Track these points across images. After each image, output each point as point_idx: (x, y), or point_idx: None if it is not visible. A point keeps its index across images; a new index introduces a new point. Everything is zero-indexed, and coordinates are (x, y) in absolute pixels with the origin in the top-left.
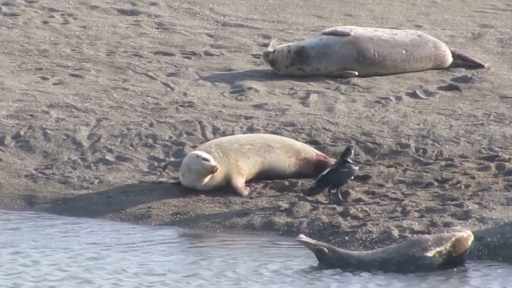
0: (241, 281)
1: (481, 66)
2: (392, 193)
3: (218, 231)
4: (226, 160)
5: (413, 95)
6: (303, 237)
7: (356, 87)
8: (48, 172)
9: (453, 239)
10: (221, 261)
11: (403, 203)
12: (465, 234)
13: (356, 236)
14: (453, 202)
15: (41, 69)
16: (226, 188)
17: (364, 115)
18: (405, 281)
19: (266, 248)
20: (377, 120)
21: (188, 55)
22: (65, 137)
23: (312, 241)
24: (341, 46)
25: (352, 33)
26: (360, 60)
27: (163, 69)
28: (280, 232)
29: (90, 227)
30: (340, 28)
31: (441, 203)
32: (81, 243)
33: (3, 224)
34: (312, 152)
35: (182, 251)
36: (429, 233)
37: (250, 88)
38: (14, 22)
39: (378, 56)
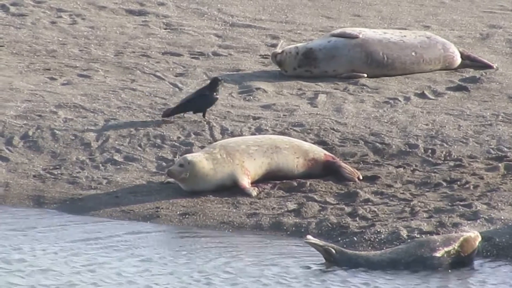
0: (247, 281)
1: (490, 67)
2: (401, 193)
3: (226, 231)
4: (230, 161)
5: (422, 95)
6: (310, 238)
7: (364, 87)
8: (56, 173)
9: (461, 239)
10: (228, 261)
11: (411, 203)
12: (473, 234)
13: (364, 236)
14: (461, 203)
15: (49, 70)
16: (234, 189)
17: (373, 115)
18: (411, 281)
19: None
20: (385, 121)
21: (196, 56)
22: (73, 137)
23: (320, 242)
24: (349, 48)
25: (360, 36)
26: (369, 62)
27: (171, 69)
28: (288, 232)
29: None
30: (348, 30)
31: (449, 204)
32: None
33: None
34: (320, 152)
35: (190, 250)
36: (437, 233)
37: (258, 89)
38: (22, 23)
39: (387, 58)
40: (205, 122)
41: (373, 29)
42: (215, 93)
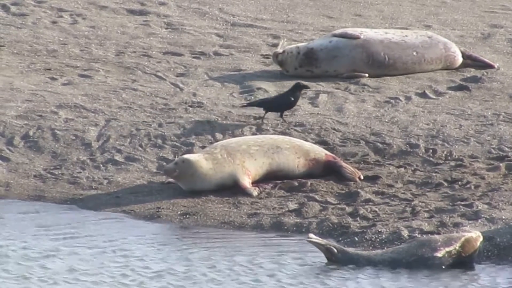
0: (251, 280)
1: (491, 66)
2: (402, 193)
3: (227, 231)
4: (231, 161)
5: (423, 95)
6: (312, 236)
7: (365, 87)
8: (57, 173)
9: (463, 239)
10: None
11: (412, 203)
12: (474, 234)
13: (365, 236)
14: (462, 203)
15: (50, 70)
16: (235, 189)
17: (374, 115)
18: (413, 279)
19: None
20: (386, 120)
21: (197, 55)
22: (74, 138)
23: (322, 241)
24: (350, 49)
25: (362, 36)
26: (370, 62)
27: (172, 69)
28: (289, 232)
29: None
30: (350, 31)
31: (450, 204)
32: None
33: None
34: (321, 152)
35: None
36: (438, 233)
37: (259, 89)
38: (23, 22)
39: (389, 59)
40: (282, 122)
41: (374, 29)
42: (293, 97)
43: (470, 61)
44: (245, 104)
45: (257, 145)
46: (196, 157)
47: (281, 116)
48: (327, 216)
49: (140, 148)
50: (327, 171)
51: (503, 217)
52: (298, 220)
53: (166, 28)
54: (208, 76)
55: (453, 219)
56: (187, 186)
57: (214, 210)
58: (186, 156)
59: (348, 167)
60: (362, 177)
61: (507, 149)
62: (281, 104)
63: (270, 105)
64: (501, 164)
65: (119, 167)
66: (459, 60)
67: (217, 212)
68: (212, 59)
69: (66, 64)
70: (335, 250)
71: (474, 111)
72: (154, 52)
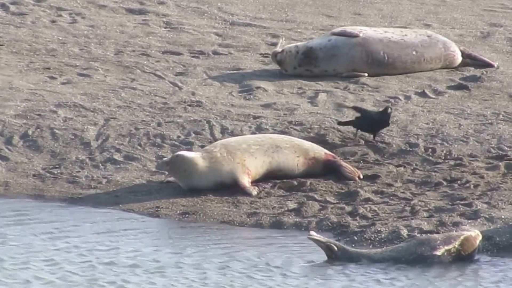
0: (250, 277)
1: (490, 65)
2: (401, 192)
3: (226, 230)
4: (231, 160)
5: (422, 94)
6: (313, 234)
7: (365, 86)
8: (56, 172)
9: (462, 237)
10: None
11: (412, 202)
12: (474, 233)
13: (365, 235)
14: (462, 202)
15: (49, 69)
16: (234, 188)
17: None
18: (412, 277)
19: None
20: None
21: (196, 55)
22: (73, 137)
23: (323, 239)
24: (350, 48)
25: (361, 35)
26: (369, 61)
27: (171, 68)
28: (288, 231)
29: None
30: (349, 29)
31: (450, 203)
32: None
33: None
34: (321, 151)
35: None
36: (438, 232)
37: (258, 88)
38: (22, 21)
39: (388, 58)
40: (355, 137)
41: (374, 28)
42: (387, 119)
43: (470, 60)
44: (345, 122)
45: (257, 144)
46: (192, 155)
47: (374, 138)
48: (327, 215)
49: (139, 147)
50: (327, 170)
51: (503, 216)
52: (297, 220)
53: (165, 27)
54: (207, 75)
55: (453, 218)
56: (184, 184)
57: (213, 209)
58: (182, 152)
59: (347, 166)
60: (361, 176)
61: (506, 148)
62: (375, 126)
63: (366, 126)
64: (500, 163)
65: (118, 166)
66: (459, 59)
67: (217, 211)
68: (211, 58)
69: (65, 63)
70: (335, 248)
71: (474, 110)
72: (153, 51)
